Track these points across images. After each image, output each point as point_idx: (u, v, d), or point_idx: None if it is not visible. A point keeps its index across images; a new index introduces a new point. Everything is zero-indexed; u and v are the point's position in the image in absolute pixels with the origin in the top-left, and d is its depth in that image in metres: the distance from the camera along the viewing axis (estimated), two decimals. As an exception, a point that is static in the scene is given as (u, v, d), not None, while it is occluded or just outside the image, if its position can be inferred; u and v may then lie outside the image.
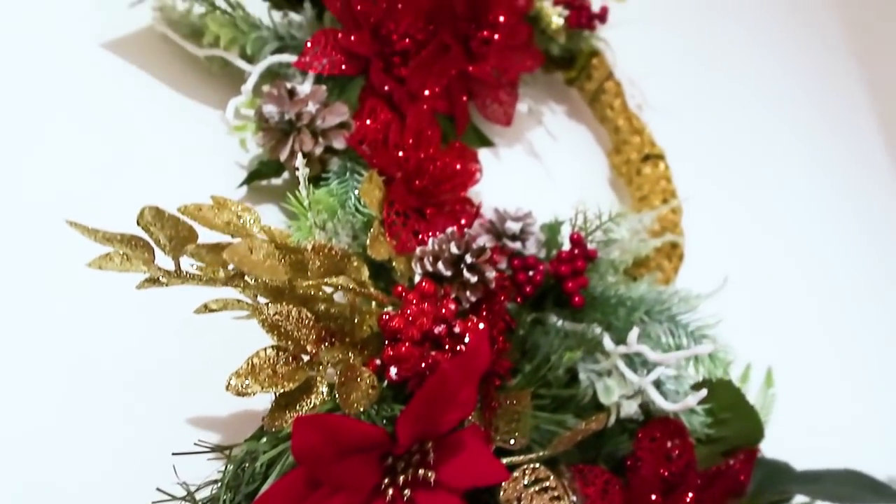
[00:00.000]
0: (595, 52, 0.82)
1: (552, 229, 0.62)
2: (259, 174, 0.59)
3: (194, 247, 0.42)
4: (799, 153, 1.14)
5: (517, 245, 0.58)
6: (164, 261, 0.42)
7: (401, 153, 0.59)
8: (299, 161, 0.51)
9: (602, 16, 0.79)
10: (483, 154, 0.74)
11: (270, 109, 0.54)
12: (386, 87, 0.62)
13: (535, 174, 0.79)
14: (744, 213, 0.99)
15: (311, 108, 0.55)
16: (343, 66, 0.60)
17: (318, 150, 0.55)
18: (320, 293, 0.46)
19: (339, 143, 0.57)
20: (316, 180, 0.56)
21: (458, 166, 0.65)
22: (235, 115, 0.59)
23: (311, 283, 0.45)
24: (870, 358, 0.99)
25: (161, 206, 0.42)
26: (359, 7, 0.61)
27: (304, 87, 0.56)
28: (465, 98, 0.71)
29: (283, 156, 0.55)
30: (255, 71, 0.60)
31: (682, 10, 1.09)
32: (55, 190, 0.53)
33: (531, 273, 0.56)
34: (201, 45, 0.60)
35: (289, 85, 0.55)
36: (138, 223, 0.41)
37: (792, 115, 1.17)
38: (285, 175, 0.60)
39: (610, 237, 0.62)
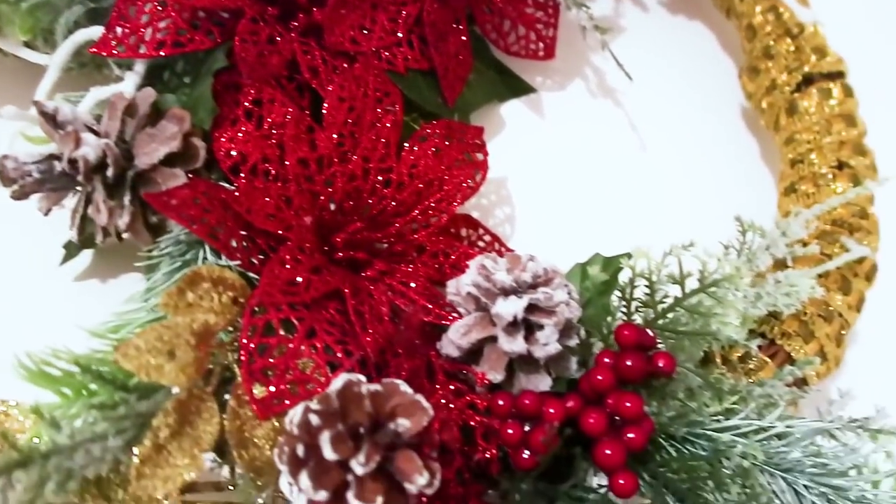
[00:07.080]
0: None
1: (600, 287, 0.33)
2: (70, 254, 0.35)
3: None
4: None
5: (514, 346, 0.30)
6: None
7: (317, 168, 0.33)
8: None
9: None
10: (514, 109, 0.45)
11: (13, 165, 0.29)
12: (276, 60, 0.35)
13: (608, 134, 0.48)
14: None
15: (89, 149, 0.29)
16: (183, 41, 0.33)
17: (124, 220, 0.30)
18: None
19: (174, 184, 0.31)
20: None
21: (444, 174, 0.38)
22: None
23: None
24: None
25: None
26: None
27: (72, 115, 0.30)
28: (460, 30, 0.41)
29: (73, 231, 0.31)
30: (52, 65, 0.35)
31: None
32: None
33: (525, 429, 0.29)
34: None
35: (50, 106, 0.30)
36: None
37: None
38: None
39: (717, 296, 0.32)
